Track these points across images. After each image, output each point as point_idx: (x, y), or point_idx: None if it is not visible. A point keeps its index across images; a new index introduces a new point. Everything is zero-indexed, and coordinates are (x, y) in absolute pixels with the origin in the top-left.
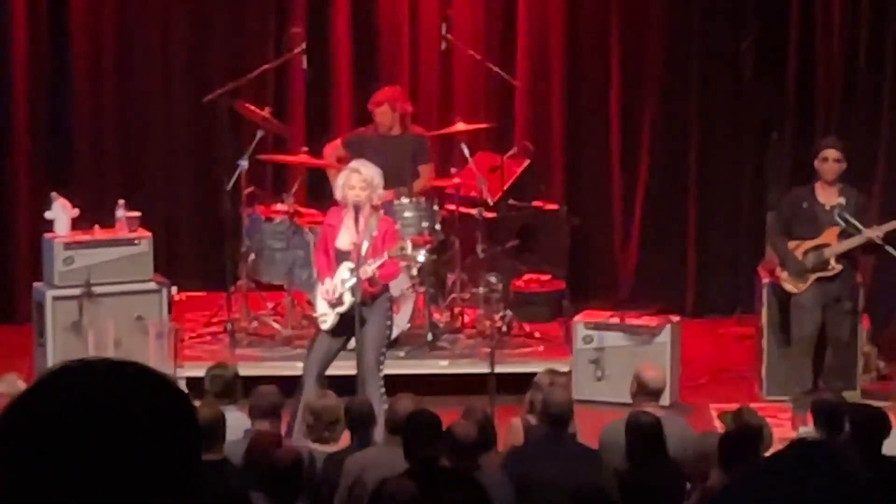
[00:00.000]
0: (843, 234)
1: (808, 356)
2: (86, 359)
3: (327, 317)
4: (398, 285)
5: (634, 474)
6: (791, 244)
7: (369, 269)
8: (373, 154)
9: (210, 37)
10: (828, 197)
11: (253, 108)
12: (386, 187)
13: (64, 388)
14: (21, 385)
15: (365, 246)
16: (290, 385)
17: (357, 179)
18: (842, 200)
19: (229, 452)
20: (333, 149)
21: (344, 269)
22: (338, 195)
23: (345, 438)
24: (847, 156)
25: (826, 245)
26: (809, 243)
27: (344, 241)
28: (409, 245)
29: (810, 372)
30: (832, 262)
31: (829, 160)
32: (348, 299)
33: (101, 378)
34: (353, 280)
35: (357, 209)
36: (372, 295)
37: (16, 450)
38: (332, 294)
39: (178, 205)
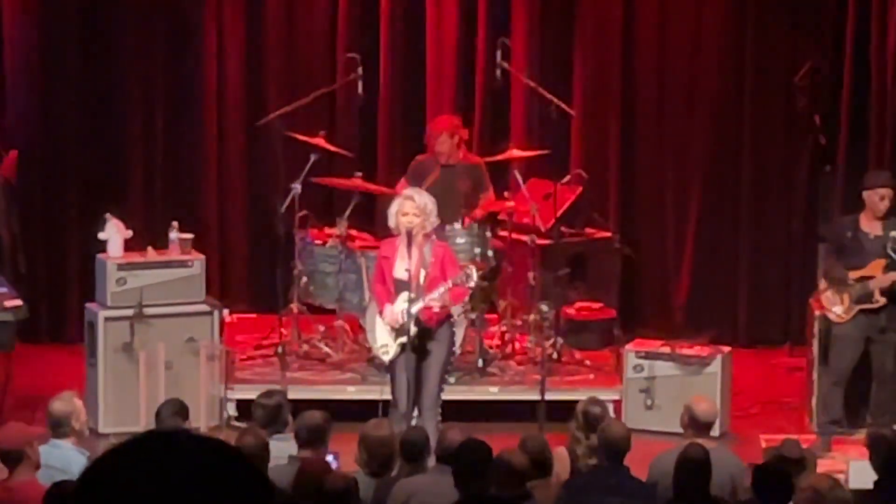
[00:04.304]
0: (889, 267)
1: (841, 387)
2: (166, 430)
3: (389, 347)
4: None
5: None
6: None
7: (438, 295)
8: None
9: (265, 59)
10: (873, 227)
11: (305, 137)
12: (441, 214)
13: (140, 459)
14: (78, 403)
15: (423, 274)
16: (339, 409)
17: (411, 206)
18: (894, 234)
19: (273, 478)
20: (400, 188)
21: (402, 300)
22: (391, 222)
23: None
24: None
25: (871, 277)
26: (854, 273)
27: (401, 270)
28: (474, 272)
29: (841, 402)
30: (876, 294)
31: (886, 199)
32: (412, 329)
33: (179, 451)
34: (414, 309)
35: (410, 236)
36: (438, 320)
37: None
38: (396, 322)
39: (230, 227)
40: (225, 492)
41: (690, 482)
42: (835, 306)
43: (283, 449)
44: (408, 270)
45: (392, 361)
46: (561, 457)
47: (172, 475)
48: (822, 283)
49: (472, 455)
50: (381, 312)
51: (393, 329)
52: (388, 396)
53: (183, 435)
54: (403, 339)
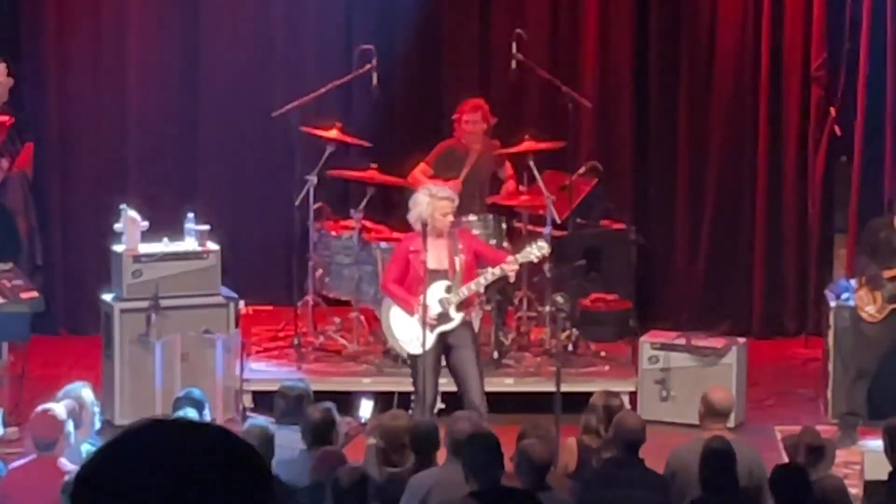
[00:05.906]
0: None
1: (866, 380)
2: (165, 419)
3: (419, 339)
4: None
5: (709, 502)
6: None
7: (508, 268)
8: (460, 167)
9: (279, 50)
10: None
11: (319, 130)
12: (469, 202)
13: (142, 446)
14: (87, 395)
15: (458, 261)
16: (354, 401)
17: (451, 206)
18: None
19: (284, 470)
20: (421, 173)
21: (440, 288)
22: (423, 221)
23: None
24: None
25: None
26: (888, 273)
27: (435, 260)
28: (545, 244)
29: (864, 395)
30: None
31: None
32: (456, 315)
33: (179, 438)
34: (459, 296)
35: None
36: (471, 303)
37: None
38: (432, 313)
39: (246, 219)
40: (223, 476)
41: (718, 474)
42: (868, 305)
43: (297, 440)
44: (445, 260)
45: (417, 354)
46: (569, 448)
47: (171, 462)
48: (857, 283)
49: (482, 447)
50: (409, 311)
51: (433, 320)
52: (402, 389)
53: (179, 422)
54: (448, 326)
